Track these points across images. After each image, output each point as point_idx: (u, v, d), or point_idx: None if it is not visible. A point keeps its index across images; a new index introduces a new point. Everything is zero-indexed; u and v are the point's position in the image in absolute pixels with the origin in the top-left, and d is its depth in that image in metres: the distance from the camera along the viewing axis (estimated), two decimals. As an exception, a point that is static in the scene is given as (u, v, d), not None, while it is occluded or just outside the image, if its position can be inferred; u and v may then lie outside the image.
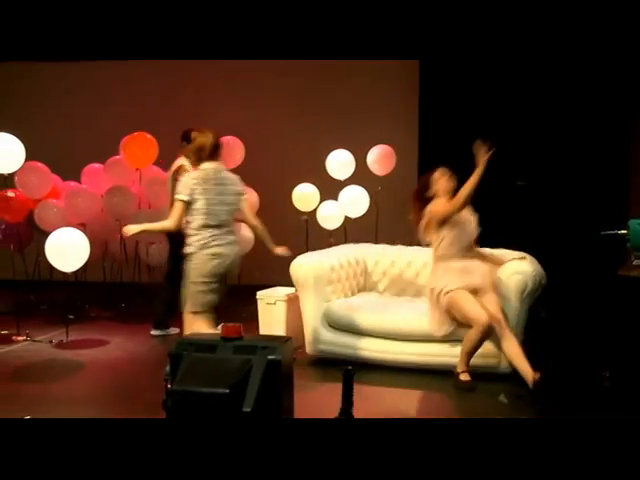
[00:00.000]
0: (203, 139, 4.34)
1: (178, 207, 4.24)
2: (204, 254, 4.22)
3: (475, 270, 4.65)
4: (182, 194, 4.24)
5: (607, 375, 4.29)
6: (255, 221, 4.58)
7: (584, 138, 6.74)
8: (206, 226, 4.23)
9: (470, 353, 4.50)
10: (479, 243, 4.93)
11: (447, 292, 4.58)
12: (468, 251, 4.73)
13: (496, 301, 4.55)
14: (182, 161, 5.79)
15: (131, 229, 4.40)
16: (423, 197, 4.78)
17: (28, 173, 6.33)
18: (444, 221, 4.64)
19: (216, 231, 4.25)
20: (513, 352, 4.38)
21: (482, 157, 4.39)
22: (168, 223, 4.31)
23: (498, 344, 4.56)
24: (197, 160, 4.37)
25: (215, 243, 4.24)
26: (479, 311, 4.45)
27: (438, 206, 4.68)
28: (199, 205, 4.22)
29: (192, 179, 4.28)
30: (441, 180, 4.74)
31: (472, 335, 4.45)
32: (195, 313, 4.28)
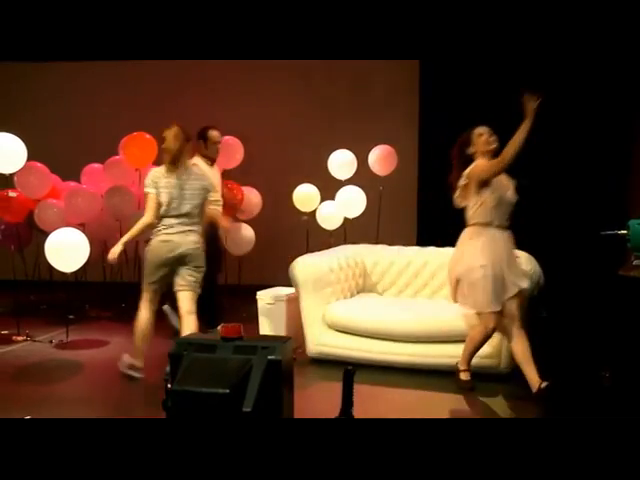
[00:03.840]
0: (171, 134, 4.57)
1: (147, 200, 4.57)
2: (156, 240, 4.56)
3: (519, 273, 4.40)
4: (148, 187, 4.56)
5: (607, 375, 4.28)
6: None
7: (585, 138, 6.74)
8: (165, 216, 4.55)
9: (472, 352, 4.48)
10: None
11: (481, 270, 4.27)
12: (507, 220, 4.40)
13: (518, 301, 4.34)
14: (196, 160, 5.77)
15: (114, 251, 4.59)
16: (463, 154, 4.42)
17: (28, 173, 6.32)
18: (485, 182, 4.29)
19: (173, 220, 4.55)
20: (523, 356, 4.27)
21: (530, 108, 4.08)
22: (144, 218, 4.56)
23: (499, 344, 4.56)
24: (170, 156, 4.58)
25: (166, 231, 4.54)
26: (494, 316, 4.31)
27: (480, 166, 4.34)
28: (162, 197, 4.53)
29: (155, 172, 4.60)
30: (482, 138, 4.39)
31: (476, 336, 4.41)
32: (145, 290, 4.68)
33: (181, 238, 4.55)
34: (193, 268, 4.62)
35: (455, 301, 4.55)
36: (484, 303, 4.30)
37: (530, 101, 4.10)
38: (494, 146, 4.36)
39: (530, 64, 6.52)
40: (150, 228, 4.60)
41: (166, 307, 5.72)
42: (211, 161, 5.82)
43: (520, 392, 4.31)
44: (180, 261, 4.57)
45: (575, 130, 6.75)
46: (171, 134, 4.56)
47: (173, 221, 4.54)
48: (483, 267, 4.27)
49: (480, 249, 4.32)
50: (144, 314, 4.71)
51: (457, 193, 4.43)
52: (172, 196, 4.53)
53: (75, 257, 5.58)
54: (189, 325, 4.55)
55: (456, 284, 4.45)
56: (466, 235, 4.45)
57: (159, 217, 4.56)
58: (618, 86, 6.62)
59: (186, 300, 4.64)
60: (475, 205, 4.36)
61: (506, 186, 4.42)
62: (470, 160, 4.40)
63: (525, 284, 4.39)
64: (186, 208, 4.57)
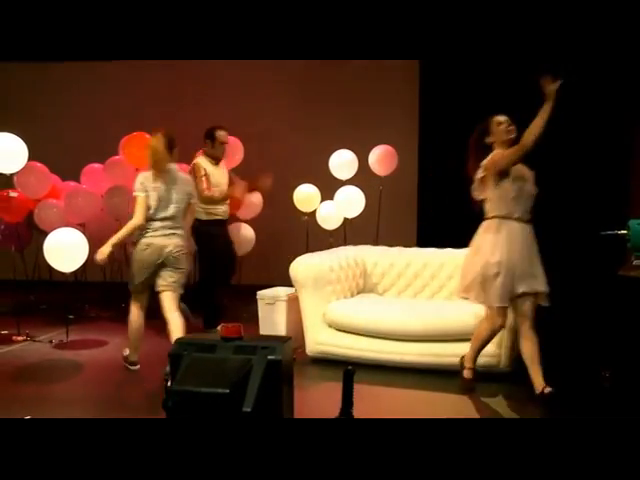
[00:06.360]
0: (154, 143, 4.75)
1: (137, 202, 4.74)
2: (142, 243, 4.73)
3: (538, 274, 4.22)
4: (137, 190, 4.75)
5: (607, 375, 4.28)
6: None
7: (585, 138, 6.74)
8: (151, 219, 4.73)
9: (478, 349, 4.39)
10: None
11: (495, 266, 4.15)
12: (528, 213, 4.24)
13: (532, 302, 4.21)
14: (200, 160, 5.81)
15: (103, 252, 4.67)
16: (480, 144, 4.26)
17: (27, 173, 6.32)
18: (505, 173, 4.12)
19: (157, 224, 4.74)
20: (530, 357, 4.16)
21: (550, 91, 3.87)
22: (133, 220, 4.72)
23: (500, 343, 4.56)
24: (152, 162, 4.76)
25: (152, 234, 4.72)
26: (501, 311, 4.23)
27: (498, 155, 4.15)
28: (150, 200, 4.72)
29: (144, 177, 4.77)
30: (501, 127, 4.21)
31: (482, 332, 4.33)
32: (133, 290, 4.85)
33: (165, 240, 4.73)
34: (174, 269, 4.76)
35: (462, 294, 4.44)
36: (493, 297, 4.18)
37: (549, 84, 3.88)
38: (513, 135, 4.17)
39: (530, 65, 6.53)
40: (139, 230, 4.76)
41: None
42: (216, 160, 5.88)
43: (520, 392, 4.31)
44: (163, 262, 4.73)
45: (575, 130, 6.74)
46: (155, 141, 4.75)
47: (158, 224, 4.73)
48: (498, 263, 4.14)
49: (495, 244, 4.18)
50: (135, 313, 4.87)
51: (475, 185, 4.25)
52: (160, 199, 4.72)
53: (74, 257, 5.57)
54: (175, 322, 4.70)
55: (469, 278, 4.33)
56: (483, 228, 4.28)
57: (147, 219, 4.72)
58: (618, 86, 6.62)
59: (168, 299, 4.77)
60: (494, 197, 4.19)
61: (526, 177, 4.24)
62: (488, 150, 4.24)
63: (541, 287, 4.21)
64: (171, 211, 4.76)
